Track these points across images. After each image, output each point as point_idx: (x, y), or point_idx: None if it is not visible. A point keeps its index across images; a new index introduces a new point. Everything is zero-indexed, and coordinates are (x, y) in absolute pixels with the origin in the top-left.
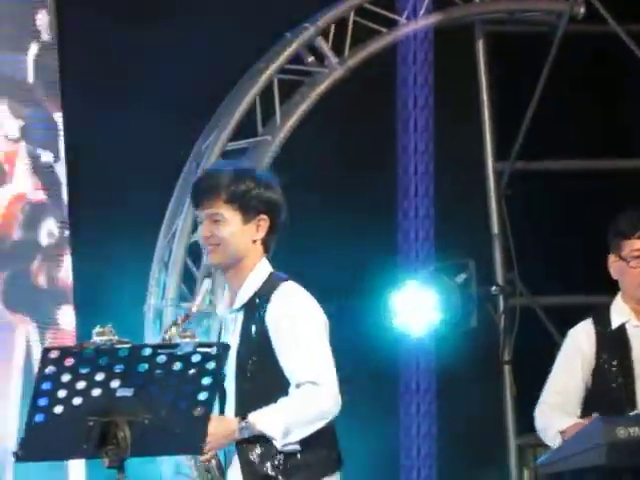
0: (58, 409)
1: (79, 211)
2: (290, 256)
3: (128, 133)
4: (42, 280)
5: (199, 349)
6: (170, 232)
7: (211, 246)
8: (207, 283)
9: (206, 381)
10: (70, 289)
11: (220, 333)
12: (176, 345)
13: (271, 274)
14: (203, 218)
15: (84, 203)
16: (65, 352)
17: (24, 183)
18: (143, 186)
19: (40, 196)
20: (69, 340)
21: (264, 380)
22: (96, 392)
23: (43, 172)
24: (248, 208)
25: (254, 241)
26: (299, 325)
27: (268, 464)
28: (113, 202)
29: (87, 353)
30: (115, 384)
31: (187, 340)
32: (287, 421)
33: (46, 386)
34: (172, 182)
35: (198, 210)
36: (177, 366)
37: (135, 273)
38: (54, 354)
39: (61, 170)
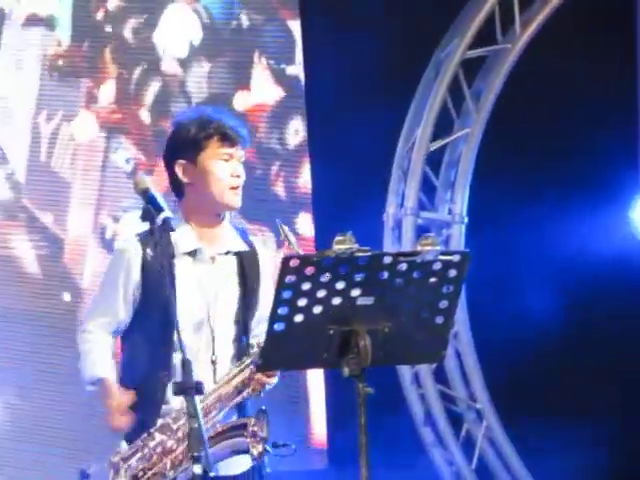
0: (298, 318)
1: (317, 120)
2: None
3: (366, 40)
4: (280, 188)
5: (440, 257)
6: (409, 141)
7: (238, 187)
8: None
9: (447, 289)
10: (309, 197)
11: (174, 273)
12: (417, 253)
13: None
14: (233, 157)
15: (322, 112)
16: (305, 260)
17: (263, 92)
18: (381, 95)
19: (280, 105)
20: (308, 249)
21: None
22: (336, 300)
23: (284, 82)
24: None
25: None
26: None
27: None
28: (351, 110)
29: (327, 261)
30: (355, 292)
31: (428, 248)
32: None
33: (286, 295)
34: (410, 91)
35: (234, 148)
36: (418, 274)
37: (374, 182)
38: (294, 262)
39: (300, 78)
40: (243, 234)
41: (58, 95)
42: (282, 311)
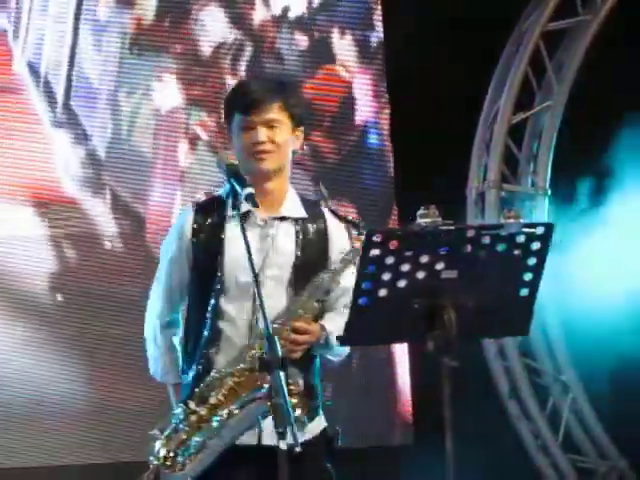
0: (382, 292)
1: (400, 94)
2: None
3: (446, 12)
4: (361, 163)
5: (524, 229)
6: (491, 114)
7: (265, 152)
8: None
9: (531, 262)
10: (391, 171)
11: (223, 235)
12: (500, 226)
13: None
14: (255, 124)
15: (404, 85)
16: (389, 235)
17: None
18: (462, 67)
19: (361, 77)
20: (392, 223)
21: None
22: (420, 274)
23: (364, 53)
24: (296, 118)
25: (292, 152)
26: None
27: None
28: (433, 82)
29: (411, 235)
30: (440, 266)
31: (511, 221)
32: None
33: (370, 269)
34: (492, 63)
35: (250, 116)
36: (501, 247)
37: (456, 155)
38: (378, 237)
39: (380, 50)
40: (314, 205)
41: (138, 71)
42: (366, 285)
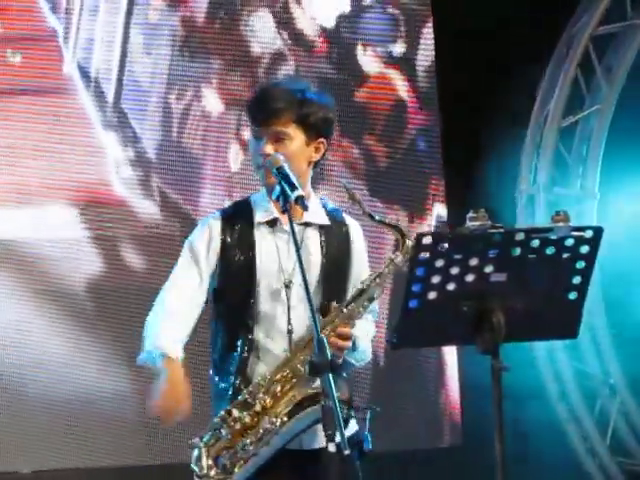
0: (432, 295)
1: (451, 98)
2: None
3: (496, 17)
4: (412, 168)
5: (573, 233)
6: (542, 116)
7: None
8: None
9: (580, 265)
10: (441, 174)
11: (254, 242)
12: (549, 229)
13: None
14: (264, 135)
15: (454, 90)
16: (439, 238)
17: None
18: (513, 71)
19: (411, 85)
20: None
21: (334, 298)
22: (470, 277)
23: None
24: (312, 130)
25: (309, 163)
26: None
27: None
28: (482, 86)
29: (461, 238)
30: (489, 269)
31: (560, 224)
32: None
33: (420, 272)
34: (542, 67)
35: (260, 127)
36: (550, 250)
37: (506, 158)
38: (428, 240)
39: (431, 58)
40: (335, 211)
41: (188, 73)
42: (416, 288)
